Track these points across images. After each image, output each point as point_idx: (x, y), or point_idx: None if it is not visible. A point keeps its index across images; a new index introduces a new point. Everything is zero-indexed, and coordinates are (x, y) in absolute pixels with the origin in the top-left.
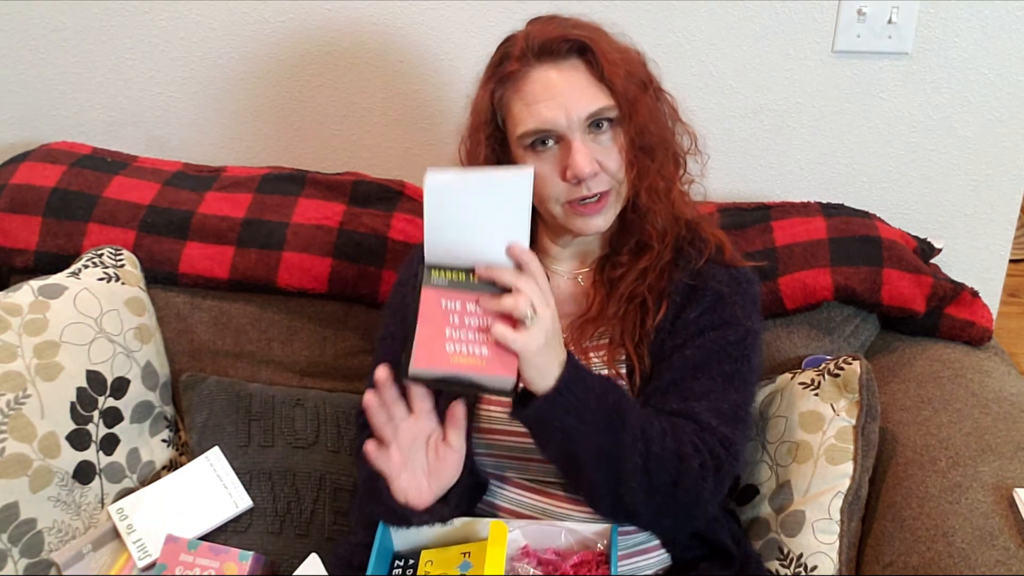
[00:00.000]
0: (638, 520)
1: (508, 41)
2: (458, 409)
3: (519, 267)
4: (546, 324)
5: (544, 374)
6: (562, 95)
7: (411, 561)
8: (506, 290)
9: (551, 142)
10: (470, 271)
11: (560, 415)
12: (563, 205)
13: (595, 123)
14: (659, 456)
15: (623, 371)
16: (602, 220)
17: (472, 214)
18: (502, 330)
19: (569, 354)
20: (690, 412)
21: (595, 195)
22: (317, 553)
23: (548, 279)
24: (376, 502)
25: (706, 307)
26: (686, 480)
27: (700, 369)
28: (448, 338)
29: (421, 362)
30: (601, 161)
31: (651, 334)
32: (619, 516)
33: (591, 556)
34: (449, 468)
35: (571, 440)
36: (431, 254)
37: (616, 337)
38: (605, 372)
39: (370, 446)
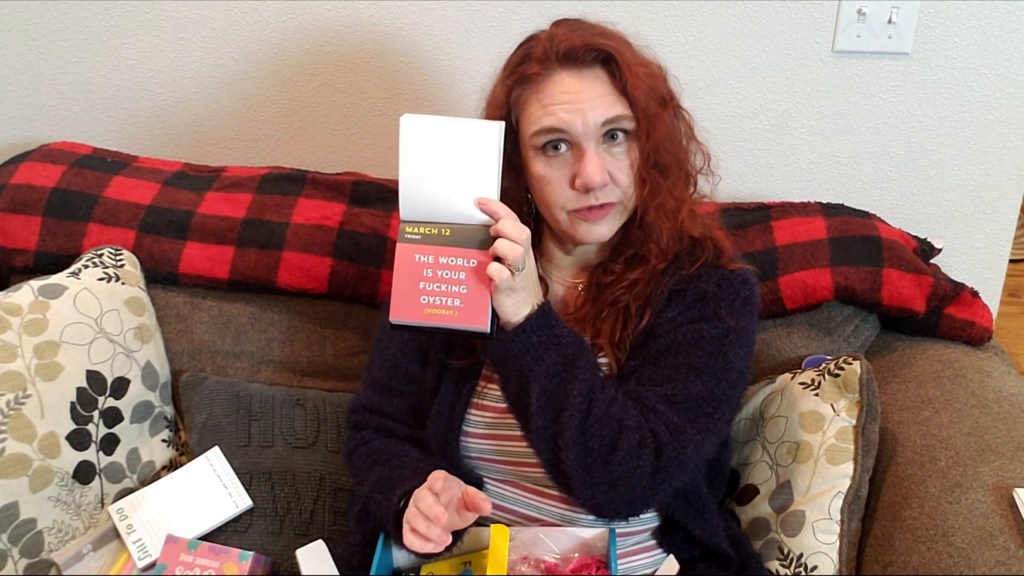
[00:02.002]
0: (572, 483)
1: (530, 41)
2: (486, 506)
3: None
4: (528, 273)
5: (515, 312)
6: (582, 101)
7: (411, 575)
8: (483, 240)
9: (564, 147)
10: (442, 226)
11: (519, 351)
12: (568, 212)
13: (610, 133)
14: (600, 418)
15: (604, 371)
16: (605, 228)
17: (444, 161)
18: (498, 268)
19: (545, 302)
20: (638, 395)
21: (600, 203)
22: None
23: (547, 286)
24: (378, 526)
25: (688, 304)
26: (621, 452)
27: (663, 357)
28: (422, 291)
29: (398, 314)
30: (612, 172)
31: (631, 337)
32: (557, 477)
33: (591, 560)
34: (466, 524)
35: (525, 379)
36: (406, 207)
37: (596, 338)
38: None
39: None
